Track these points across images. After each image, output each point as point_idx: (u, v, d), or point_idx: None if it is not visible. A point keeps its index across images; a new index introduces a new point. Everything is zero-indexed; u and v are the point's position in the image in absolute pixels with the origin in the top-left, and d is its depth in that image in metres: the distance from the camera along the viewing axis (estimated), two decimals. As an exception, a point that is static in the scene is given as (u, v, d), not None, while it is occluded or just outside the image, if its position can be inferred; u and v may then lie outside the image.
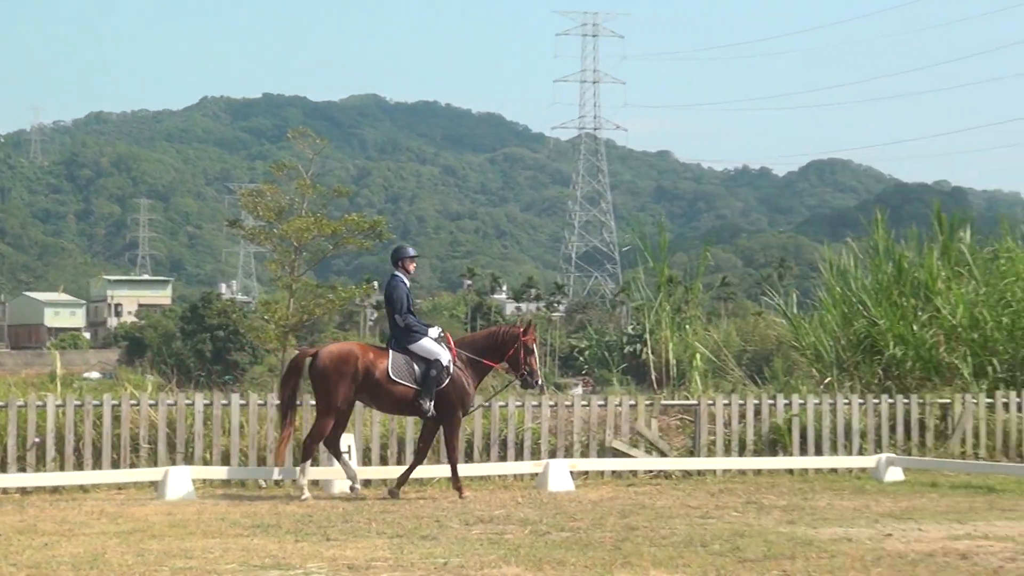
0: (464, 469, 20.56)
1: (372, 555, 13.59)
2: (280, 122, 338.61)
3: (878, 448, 24.40)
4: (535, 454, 22.66)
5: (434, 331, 19.66)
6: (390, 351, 19.53)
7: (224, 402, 21.48)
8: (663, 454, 23.29)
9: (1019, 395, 25.52)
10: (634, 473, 22.75)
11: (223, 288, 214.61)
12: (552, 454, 22.62)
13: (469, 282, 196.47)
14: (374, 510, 17.89)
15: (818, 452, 24.03)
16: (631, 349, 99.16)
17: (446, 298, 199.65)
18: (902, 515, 17.44)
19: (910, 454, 24.41)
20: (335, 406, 19.26)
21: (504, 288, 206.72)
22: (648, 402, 24.01)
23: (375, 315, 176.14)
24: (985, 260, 29.82)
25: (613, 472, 22.68)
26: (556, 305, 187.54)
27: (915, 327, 27.79)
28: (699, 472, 22.96)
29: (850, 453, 24.27)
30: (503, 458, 22.46)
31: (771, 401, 24.35)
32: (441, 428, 19.82)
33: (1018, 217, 33.80)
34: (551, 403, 23.32)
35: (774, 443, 24.18)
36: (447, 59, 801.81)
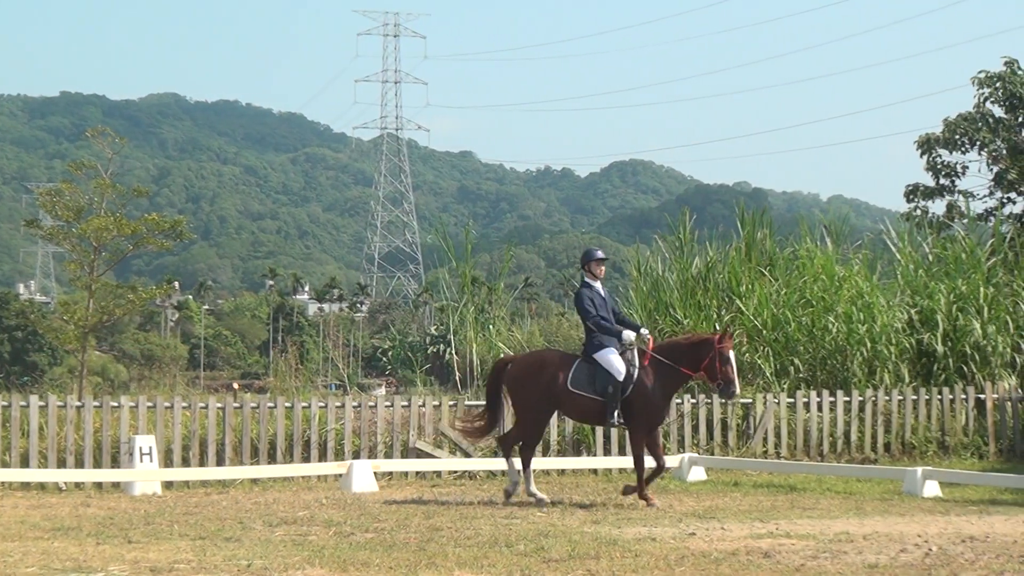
0: (267, 470, 20.23)
1: (175, 557, 13.24)
2: (79, 121, 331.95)
3: (681, 448, 24.58)
4: (338, 455, 22.46)
5: (628, 335, 18.63)
6: (576, 361, 18.96)
7: (23, 403, 20.95)
8: (467, 454, 23.21)
9: (819, 395, 25.91)
10: (438, 474, 22.66)
11: (21, 289, 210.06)
12: (356, 455, 22.44)
13: (271, 283, 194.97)
14: (176, 512, 17.51)
15: (621, 452, 24.10)
16: (435, 349, 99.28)
17: (248, 298, 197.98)
18: (705, 514, 17.52)
19: (713, 454, 24.63)
20: (523, 413, 19.14)
21: (307, 288, 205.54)
22: (452, 403, 23.93)
23: (175, 315, 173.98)
24: (786, 260, 30.25)
25: (417, 473, 22.56)
26: (359, 306, 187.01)
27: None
28: (503, 472, 22.89)
29: (654, 452, 24.37)
30: (307, 459, 22.23)
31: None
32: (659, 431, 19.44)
33: (816, 218, 34.27)
34: (355, 403, 23.15)
35: (578, 443, 24.24)
36: (247, 58, 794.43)
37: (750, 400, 25.54)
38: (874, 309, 28.19)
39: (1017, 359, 28.18)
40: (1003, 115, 37.82)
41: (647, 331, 18.97)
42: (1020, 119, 37.31)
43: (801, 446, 25.58)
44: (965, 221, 34.72)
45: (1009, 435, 26.75)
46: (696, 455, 23.66)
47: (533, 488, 18.97)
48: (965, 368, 27.84)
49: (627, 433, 19.66)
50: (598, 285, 18.97)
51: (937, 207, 38.98)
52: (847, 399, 25.96)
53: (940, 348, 28.07)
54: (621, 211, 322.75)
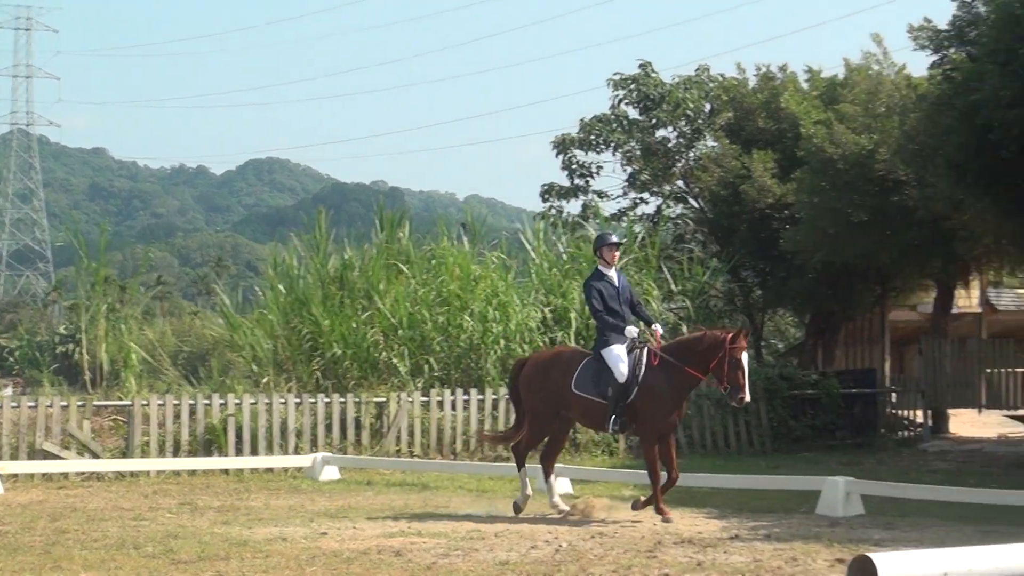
0: None
1: None
2: None
3: (314, 447, 24.41)
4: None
5: (630, 330, 16.83)
6: (584, 360, 17.25)
7: None
8: (96, 455, 22.69)
9: (453, 393, 26.07)
10: (65, 475, 22.06)
11: None
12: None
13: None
14: None
15: (254, 452, 23.86)
16: (64, 349, 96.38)
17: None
18: (337, 513, 17.41)
19: (346, 453, 24.53)
20: (530, 416, 17.55)
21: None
22: (80, 403, 23.32)
23: None
24: (423, 259, 30.37)
25: (44, 474, 21.91)
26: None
27: (356, 326, 27.98)
28: (132, 473, 22.41)
29: (286, 452, 24.21)
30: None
31: (206, 401, 24.10)
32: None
33: (453, 217, 34.59)
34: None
35: (209, 443, 23.87)
36: None
37: (384, 399, 25.53)
38: (509, 308, 28.54)
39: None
40: (637, 116, 38.82)
41: (659, 326, 17.32)
42: (653, 121, 38.35)
43: (435, 444, 25.69)
44: (599, 221, 35.49)
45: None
46: (329, 454, 23.52)
47: (555, 499, 17.31)
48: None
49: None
50: (612, 273, 17.10)
51: (572, 207, 39.84)
52: (480, 397, 26.18)
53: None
54: (257, 209, 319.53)
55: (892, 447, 29.05)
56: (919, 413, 31.74)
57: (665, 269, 31.91)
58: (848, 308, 34.88)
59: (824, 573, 12.39)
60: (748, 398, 16.56)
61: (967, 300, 37.06)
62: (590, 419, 17.42)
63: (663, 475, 16.77)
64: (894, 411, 32.06)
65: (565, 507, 17.09)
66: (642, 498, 16.87)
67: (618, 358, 16.58)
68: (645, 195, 39.05)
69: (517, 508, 17.31)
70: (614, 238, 17.41)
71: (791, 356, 40.14)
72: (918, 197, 27.20)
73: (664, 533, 15.28)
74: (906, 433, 31.15)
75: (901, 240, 29.12)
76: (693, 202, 38.50)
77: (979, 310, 37.95)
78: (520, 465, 17.59)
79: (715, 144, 36.64)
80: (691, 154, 38.29)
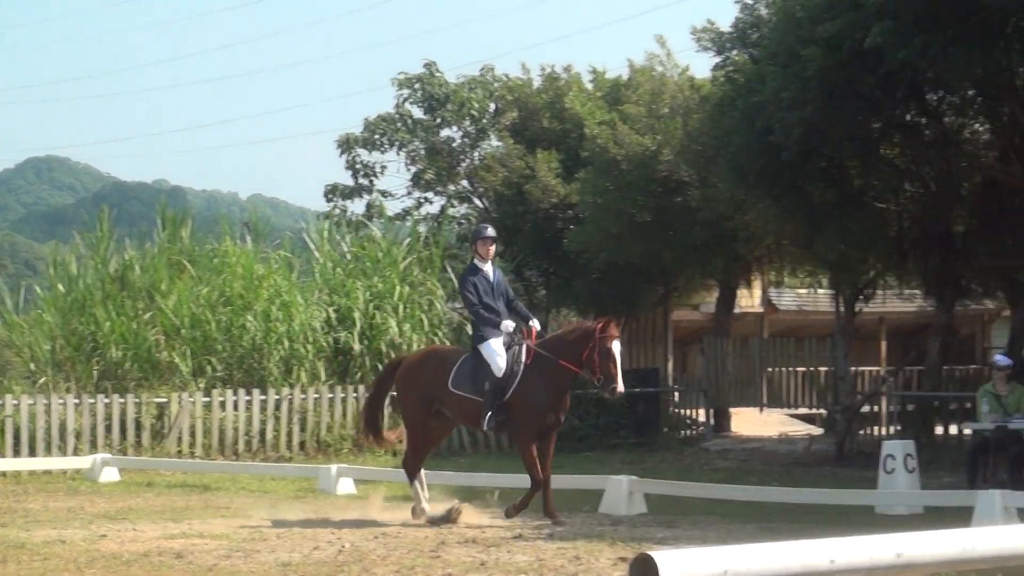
0: None
1: None
2: None
3: (94, 448, 23.94)
4: None
5: (507, 324, 16.17)
6: (462, 357, 16.54)
7: None
8: None
9: (235, 393, 25.79)
10: None
11: None
12: None
13: None
14: None
15: (32, 453, 23.36)
16: None
17: None
18: (117, 515, 17.14)
19: (126, 454, 24.10)
20: (404, 419, 16.87)
21: None
22: None
23: None
24: (206, 259, 29.93)
25: None
26: None
27: (136, 326, 27.45)
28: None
29: (65, 454, 23.74)
30: None
31: (-18, 401, 23.49)
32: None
33: (236, 216, 34.22)
34: None
35: (-18, 445, 23.28)
36: None
37: (165, 399, 25.16)
38: (292, 308, 28.28)
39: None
40: (422, 116, 38.73)
41: (536, 322, 16.61)
42: (438, 120, 38.31)
43: (217, 445, 25.41)
44: (382, 220, 35.37)
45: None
46: (109, 456, 23.13)
47: (423, 504, 16.56)
48: (380, 366, 28.30)
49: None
50: (488, 268, 16.51)
51: (357, 206, 39.64)
52: (263, 398, 25.99)
53: (357, 346, 28.45)
54: (36, 208, 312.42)
55: (675, 446, 29.40)
56: (701, 412, 32.18)
57: (450, 268, 31.85)
58: (631, 308, 35.20)
59: (607, 571, 12.45)
60: (622, 389, 15.93)
61: (749, 300, 37.69)
62: (467, 417, 16.83)
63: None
64: (677, 410, 32.47)
65: (432, 512, 16.34)
66: (514, 503, 16.18)
67: (495, 352, 15.98)
68: (429, 195, 39.02)
69: (417, 514, 16.48)
70: (489, 231, 16.81)
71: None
72: (700, 198, 27.58)
73: (448, 533, 15.27)
74: (689, 432, 31.55)
75: (684, 240, 29.48)
76: (478, 202, 38.55)
77: (761, 310, 38.60)
78: (412, 478, 16.67)
79: (499, 144, 36.76)
80: (476, 154, 38.34)
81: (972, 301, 29.83)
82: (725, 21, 26.59)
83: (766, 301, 38.66)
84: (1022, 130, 23.36)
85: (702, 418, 32.12)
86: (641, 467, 23.47)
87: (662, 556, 4.50)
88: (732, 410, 33.45)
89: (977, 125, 25.82)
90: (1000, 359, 20.15)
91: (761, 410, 32.42)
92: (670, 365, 35.79)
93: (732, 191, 24.63)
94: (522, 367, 15.96)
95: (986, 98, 23.77)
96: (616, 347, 15.76)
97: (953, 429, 25.52)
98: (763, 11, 25.44)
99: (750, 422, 34.08)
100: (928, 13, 20.12)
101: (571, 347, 15.92)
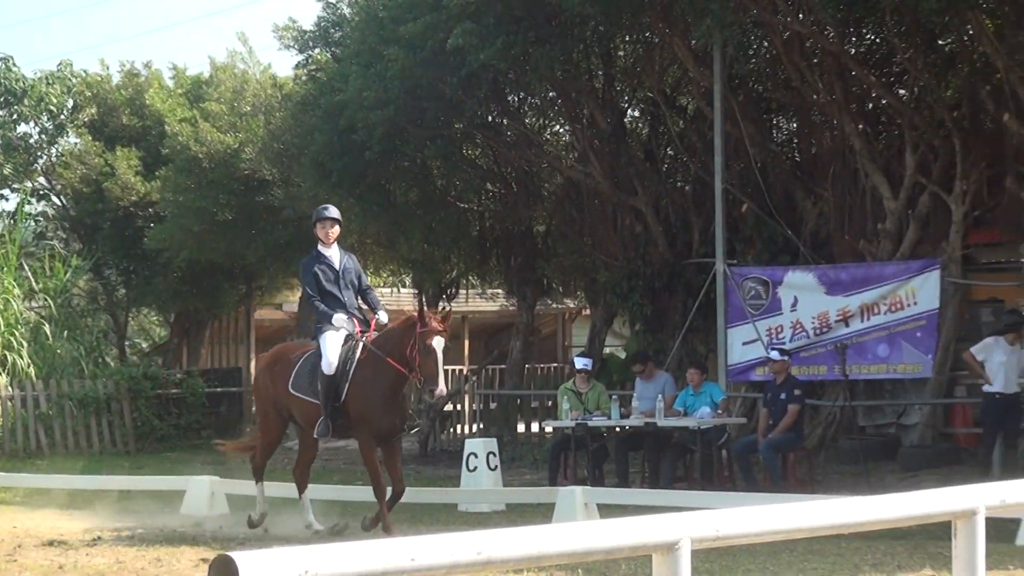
0: None
1: None
2: None
3: None
4: None
5: (339, 318, 14.26)
6: (306, 355, 14.54)
7: None
8: None
9: None
10: None
11: None
12: None
13: None
14: None
15: None
16: None
17: None
18: None
19: None
20: (260, 421, 15.26)
21: None
22: None
23: None
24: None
25: None
26: None
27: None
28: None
29: None
30: None
31: None
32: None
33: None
34: None
35: None
36: None
37: None
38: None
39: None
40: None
41: (383, 314, 14.60)
42: (15, 115, 36.94)
43: None
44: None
45: None
46: None
47: (310, 517, 14.97)
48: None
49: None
50: (331, 252, 14.63)
51: None
52: None
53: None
54: None
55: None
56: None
57: (26, 267, 30.90)
58: (214, 307, 34.95)
59: (188, 573, 12.20)
60: (443, 390, 14.13)
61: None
62: (309, 422, 14.69)
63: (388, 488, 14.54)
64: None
65: (320, 527, 14.87)
66: (369, 516, 14.49)
67: (327, 347, 14.25)
68: (5, 191, 37.66)
69: (252, 523, 15.19)
70: (329, 212, 14.89)
71: (156, 355, 39.69)
72: (283, 196, 27.41)
73: (24, 536, 14.74)
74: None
75: (267, 239, 29.36)
76: (55, 199, 37.51)
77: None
78: (258, 479, 15.42)
79: (78, 140, 35.87)
80: (54, 150, 37.23)
81: (553, 300, 30.62)
82: (308, 20, 26.54)
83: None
84: (601, 131, 24.06)
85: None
86: (224, 467, 23.13)
87: (243, 557, 4.39)
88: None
89: (557, 126, 26.53)
90: (578, 361, 20.50)
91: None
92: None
93: (315, 190, 24.54)
94: (354, 364, 14.22)
95: (566, 99, 24.39)
96: (439, 343, 13.75)
97: (535, 427, 26.03)
98: (346, 10, 25.45)
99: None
100: (509, 15, 20.54)
101: (396, 344, 14.00)
